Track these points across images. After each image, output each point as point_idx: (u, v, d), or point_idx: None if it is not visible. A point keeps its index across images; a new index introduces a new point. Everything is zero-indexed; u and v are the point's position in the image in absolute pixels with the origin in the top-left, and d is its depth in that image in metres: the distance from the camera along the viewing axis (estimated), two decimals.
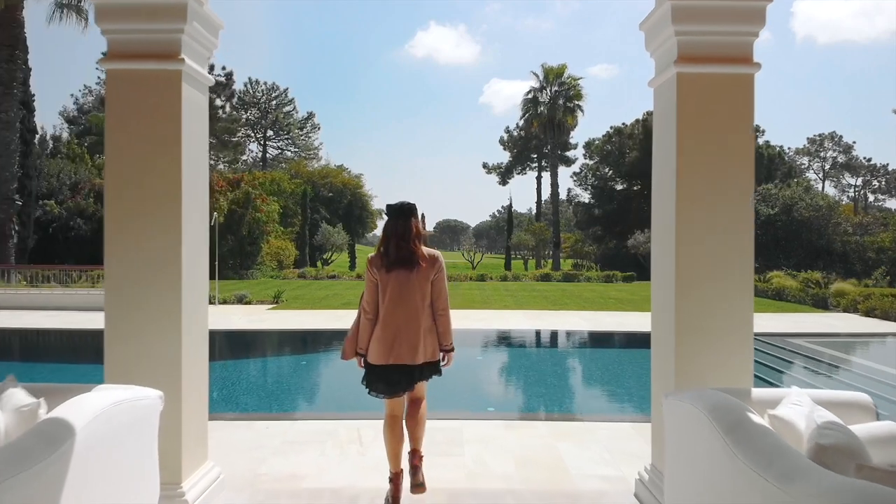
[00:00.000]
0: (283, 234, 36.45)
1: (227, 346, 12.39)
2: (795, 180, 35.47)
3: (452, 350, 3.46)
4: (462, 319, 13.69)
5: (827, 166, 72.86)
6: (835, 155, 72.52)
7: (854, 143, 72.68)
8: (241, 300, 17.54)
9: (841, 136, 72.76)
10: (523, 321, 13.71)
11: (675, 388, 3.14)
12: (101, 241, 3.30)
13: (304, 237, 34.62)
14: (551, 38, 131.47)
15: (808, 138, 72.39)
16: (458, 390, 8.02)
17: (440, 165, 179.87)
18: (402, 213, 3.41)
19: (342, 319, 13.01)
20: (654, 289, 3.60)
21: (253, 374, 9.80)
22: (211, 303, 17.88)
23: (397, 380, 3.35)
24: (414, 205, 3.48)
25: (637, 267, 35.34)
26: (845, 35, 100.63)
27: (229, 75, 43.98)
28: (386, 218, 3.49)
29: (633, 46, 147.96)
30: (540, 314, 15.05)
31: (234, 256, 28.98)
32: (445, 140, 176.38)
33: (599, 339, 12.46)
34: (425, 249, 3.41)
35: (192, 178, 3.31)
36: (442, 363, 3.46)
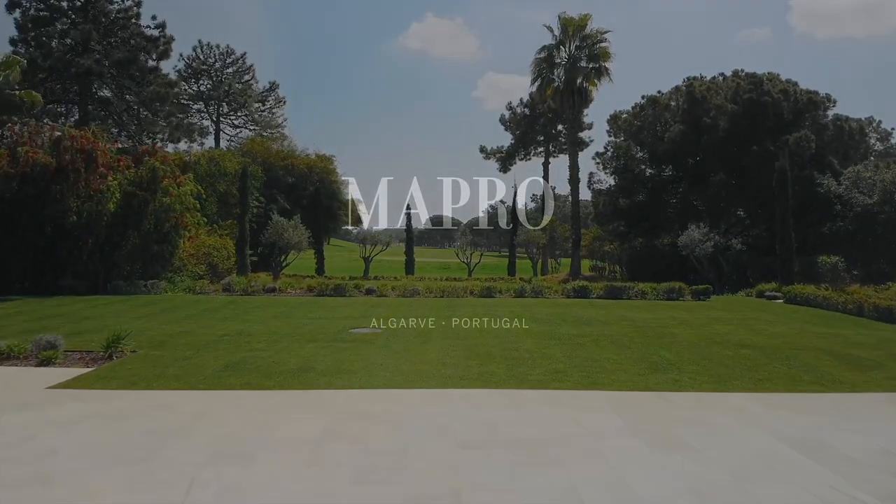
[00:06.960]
0: (221, 229, 27.82)
1: None
2: (892, 160, 27.29)
3: None
4: (473, 449, 5.04)
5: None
6: (873, 143, 64.74)
7: (893, 129, 64.34)
8: (40, 354, 8.97)
9: (880, 122, 64.87)
10: (652, 466, 5.17)
11: None
12: None
13: (243, 232, 25.89)
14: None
15: None
16: None
17: (431, 157, 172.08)
18: None
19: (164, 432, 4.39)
20: None
21: None
22: None
23: None
24: None
25: (680, 272, 27.06)
26: None
27: (161, 27, 34.44)
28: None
29: (638, 40, 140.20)
30: (653, 411, 6.58)
31: (132, 260, 20.30)
32: (437, 132, 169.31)
33: None
34: None
35: None
36: None
